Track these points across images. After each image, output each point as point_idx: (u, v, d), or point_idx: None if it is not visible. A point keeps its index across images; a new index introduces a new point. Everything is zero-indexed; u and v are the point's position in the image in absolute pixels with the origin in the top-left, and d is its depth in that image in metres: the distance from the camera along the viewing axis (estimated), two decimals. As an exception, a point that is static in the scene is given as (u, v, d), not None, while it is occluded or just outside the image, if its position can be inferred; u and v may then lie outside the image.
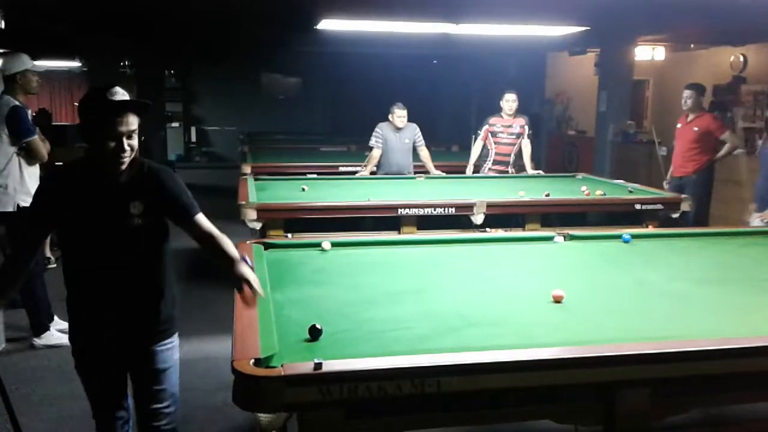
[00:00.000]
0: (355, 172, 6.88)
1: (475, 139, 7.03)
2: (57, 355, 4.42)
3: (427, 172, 6.76)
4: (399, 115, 6.55)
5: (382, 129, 6.59)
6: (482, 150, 6.90)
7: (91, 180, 2.31)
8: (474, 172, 6.93)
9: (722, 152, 6.33)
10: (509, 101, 6.67)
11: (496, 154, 6.80)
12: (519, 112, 6.79)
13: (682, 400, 2.29)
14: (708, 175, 6.39)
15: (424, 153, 6.76)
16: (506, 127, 6.72)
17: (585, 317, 2.51)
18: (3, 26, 6.17)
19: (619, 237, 3.87)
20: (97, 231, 2.31)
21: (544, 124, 12.21)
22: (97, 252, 2.34)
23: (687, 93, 6.36)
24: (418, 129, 6.70)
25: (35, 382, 4.02)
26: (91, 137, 2.25)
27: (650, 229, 4.89)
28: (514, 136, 6.75)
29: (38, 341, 4.54)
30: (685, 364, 2.13)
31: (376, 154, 6.60)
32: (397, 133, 6.60)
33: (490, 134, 6.79)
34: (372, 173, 6.67)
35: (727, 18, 7.20)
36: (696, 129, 6.29)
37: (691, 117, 6.37)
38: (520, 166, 6.95)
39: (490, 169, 6.84)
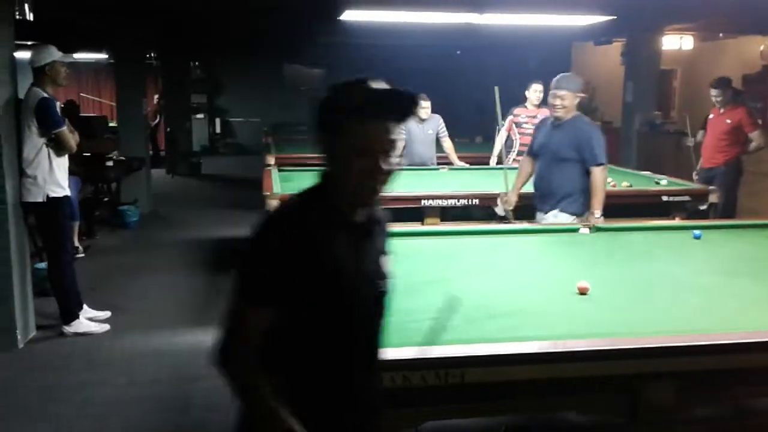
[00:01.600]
0: None
1: (499, 130, 6.99)
2: (86, 343, 4.50)
3: (450, 163, 6.74)
4: (422, 106, 6.55)
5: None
6: (506, 140, 6.86)
7: (340, 224, 1.53)
8: (498, 163, 6.89)
9: (749, 149, 6.24)
10: (536, 92, 6.65)
11: (521, 144, 6.77)
12: (543, 102, 6.74)
13: (709, 392, 2.27)
14: (737, 166, 6.30)
15: (448, 144, 6.75)
16: (531, 117, 6.69)
17: (610, 309, 2.49)
18: (31, 18, 6.25)
19: (646, 229, 3.84)
20: (352, 304, 1.54)
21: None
22: (350, 338, 1.57)
23: (714, 92, 6.28)
24: (441, 120, 6.69)
25: (64, 369, 4.09)
26: (337, 151, 1.49)
27: (677, 221, 4.83)
28: None
29: (68, 329, 4.62)
30: (711, 358, 2.11)
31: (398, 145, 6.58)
32: (421, 124, 6.59)
33: (514, 125, 6.76)
34: None
35: (756, 6, 7.07)
36: (728, 121, 6.20)
37: (723, 109, 6.28)
38: None
39: (514, 159, 6.80)
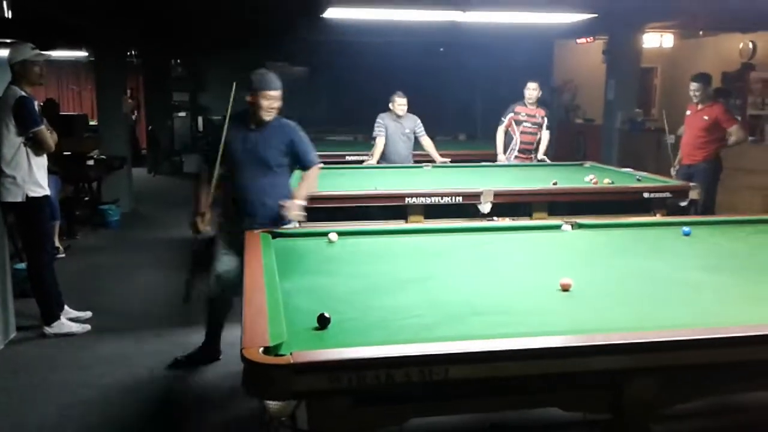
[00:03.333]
0: (361, 161, 6.88)
1: (499, 126, 7.05)
2: (67, 344, 4.46)
3: (432, 160, 6.75)
4: (399, 103, 6.56)
5: (383, 119, 6.61)
6: (506, 137, 6.97)
7: None
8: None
9: (729, 143, 6.30)
10: (531, 89, 6.82)
11: (521, 142, 6.90)
12: (539, 102, 6.89)
13: (691, 388, 2.29)
14: (716, 163, 6.36)
15: (427, 142, 6.77)
16: (530, 116, 6.85)
17: (593, 305, 2.51)
18: (9, 16, 6.17)
19: (627, 225, 3.88)
20: None
21: (552, 113, 12.15)
22: None
23: (694, 86, 6.32)
24: (418, 119, 6.72)
25: (46, 370, 4.05)
26: None
27: (658, 218, 4.88)
28: (536, 126, 6.91)
29: (49, 330, 4.57)
30: (693, 353, 2.13)
31: (380, 142, 6.59)
32: (398, 122, 6.61)
33: (514, 122, 6.88)
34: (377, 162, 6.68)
35: (736, 4, 7.14)
36: (706, 118, 6.25)
37: (701, 106, 6.33)
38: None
39: (516, 156, 6.92)
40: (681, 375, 2.23)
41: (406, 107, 6.59)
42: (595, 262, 3.22)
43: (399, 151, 6.64)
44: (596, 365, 2.08)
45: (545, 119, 6.90)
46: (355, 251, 3.32)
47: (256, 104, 3.78)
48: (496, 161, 6.96)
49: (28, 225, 4.58)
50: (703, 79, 6.36)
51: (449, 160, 6.90)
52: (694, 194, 5.25)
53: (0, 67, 4.55)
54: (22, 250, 5.15)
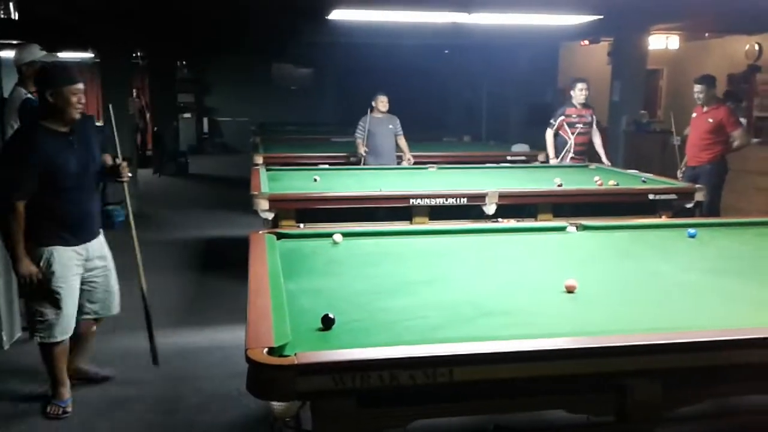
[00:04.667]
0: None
1: (548, 129, 7.07)
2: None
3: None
4: (381, 100, 7.04)
5: (364, 122, 6.99)
6: (557, 139, 7.02)
7: None
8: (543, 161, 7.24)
9: (733, 147, 6.28)
10: (579, 89, 6.88)
11: (576, 144, 6.93)
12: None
13: (695, 390, 2.28)
14: (722, 165, 6.33)
15: (403, 142, 7.16)
16: (581, 117, 6.90)
17: (597, 307, 2.50)
18: (16, 17, 6.19)
19: (632, 227, 3.87)
20: None
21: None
22: None
23: (697, 87, 6.30)
24: (397, 119, 7.12)
25: (51, 371, 4.05)
26: None
27: (664, 220, 4.86)
28: (587, 126, 6.95)
29: (54, 330, 4.57)
30: (697, 355, 2.12)
31: (359, 144, 7.04)
32: (382, 120, 6.99)
33: (566, 125, 6.92)
34: (363, 158, 7.03)
35: (742, 6, 7.13)
36: (711, 120, 6.23)
37: (706, 108, 6.31)
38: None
39: (572, 158, 6.95)
40: (685, 378, 2.23)
41: (387, 104, 7.05)
42: (599, 263, 3.21)
43: (385, 145, 7.04)
44: (601, 367, 2.07)
45: (594, 117, 6.99)
46: (359, 252, 3.32)
47: (64, 101, 3.22)
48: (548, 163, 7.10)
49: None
50: (707, 80, 6.34)
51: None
52: (699, 196, 5.24)
53: (7, 68, 4.56)
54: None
